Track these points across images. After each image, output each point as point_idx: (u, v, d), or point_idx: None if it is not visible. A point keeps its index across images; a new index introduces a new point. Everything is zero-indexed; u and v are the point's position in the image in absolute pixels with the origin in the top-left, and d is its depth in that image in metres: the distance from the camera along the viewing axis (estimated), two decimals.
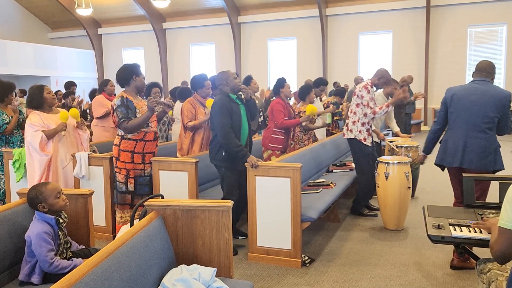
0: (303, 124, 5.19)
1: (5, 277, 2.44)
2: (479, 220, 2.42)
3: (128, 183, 3.97)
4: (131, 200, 4.03)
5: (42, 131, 4.10)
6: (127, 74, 3.96)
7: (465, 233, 2.36)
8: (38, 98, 4.19)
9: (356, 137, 4.87)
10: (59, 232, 2.52)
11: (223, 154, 3.85)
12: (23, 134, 5.12)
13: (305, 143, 5.59)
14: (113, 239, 4.22)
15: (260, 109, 6.90)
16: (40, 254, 2.36)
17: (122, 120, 3.81)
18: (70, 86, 7.37)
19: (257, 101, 5.88)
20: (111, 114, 5.89)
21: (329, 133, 7.08)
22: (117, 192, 4.06)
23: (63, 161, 4.31)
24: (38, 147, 4.08)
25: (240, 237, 4.14)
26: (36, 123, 4.11)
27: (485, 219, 2.34)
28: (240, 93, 3.99)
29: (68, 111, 4.52)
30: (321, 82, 6.75)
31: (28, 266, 2.41)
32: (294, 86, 14.70)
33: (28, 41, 17.09)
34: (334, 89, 7.49)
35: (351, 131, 4.91)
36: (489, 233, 2.23)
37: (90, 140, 5.25)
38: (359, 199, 5.07)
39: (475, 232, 2.39)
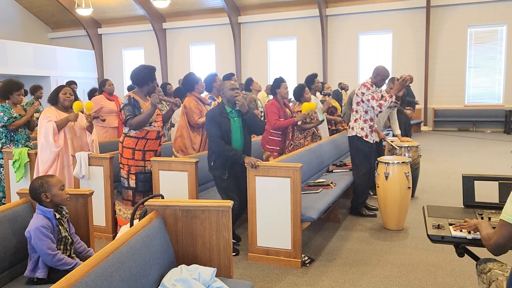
0: (299, 123, 5.16)
1: (6, 276, 2.44)
2: (461, 222, 2.41)
3: (130, 179, 4.09)
4: (132, 196, 4.11)
5: (54, 121, 4.31)
6: (145, 77, 4.06)
7: (465, 233, 2.36)
8: (54, 96, 4.47)
9: (357, 134, 4.90)
10: (59, 227, 2.53)
11: (212, 163, 3.90)
12: (29, 133, 5.21)
13: (300, 141, 5.57)
14: (113, 239, 4.24)
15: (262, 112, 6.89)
16: (41, 248, 2.38)
17: (128, 118, 3.95)
18: (70, 85, 7.35)
19: (254, 105, 5.89)
20: (111, 114, 6.00)
21: (335, 131, 7.08)
22: (122, 187, 4.19)
23: (69, 161, 4.41)
24: (51, 136, 4.26)
25: (233, 241, 4.09)
26: (51, 114, 4.35)
27: (467, 220, 2.34)
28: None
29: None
30: (312, 77, 6.63)
31: (31, 261, 2.44)
32: (294, 86, 14.67)
33: (28, 41, 17.09)
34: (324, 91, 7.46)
35: (352, 128, 4.97)
36: (475, 231, 2.25)
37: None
38: (356, 197, 5.08)
39: (475, 232, 2.39)
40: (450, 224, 2.51)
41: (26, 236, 2.44)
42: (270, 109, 4.98)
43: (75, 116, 4.38)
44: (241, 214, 4.06)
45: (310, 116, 5.47)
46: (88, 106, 4.55)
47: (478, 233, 2.23)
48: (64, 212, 2.62)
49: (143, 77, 4.05)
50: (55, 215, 2.52)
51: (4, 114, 4.80)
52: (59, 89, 4.50)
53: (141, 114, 3.98)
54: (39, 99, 7.42)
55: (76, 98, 4.63)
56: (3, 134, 4.89)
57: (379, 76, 4.82)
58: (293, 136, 5.23)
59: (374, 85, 4.87)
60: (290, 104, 5.74)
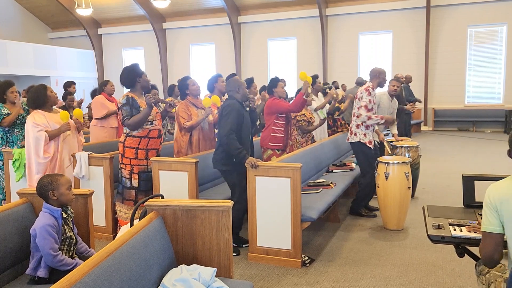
0: (304, 95, 5.01)
1: (8, 275, 2.45)
2: (475, 224, 2.42)
3: (132, 179, 4.08)
4: (135, 196, 4.11)
5: (45, 131, 4.13)
6: (132, 76, 4.08)
7: (465, 233, 2.36)
8: (43, 97, 4.22)
9: (360, 140, 4.91)
10: (64, 226, 2.54)
11: (234, 159, 3.87)
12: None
13: (303, 145, 5.57)
14: (113, 239, 4.24)
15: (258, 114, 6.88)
16: (44, 247, 2.38)
17: (125, 118, 3.96)
18: (69, 85, 7.35)
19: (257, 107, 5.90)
20: (113, 115, 6.00)
21: (335, 132, 7.06)
22: (123, 188, 4.16)
23: (66, 161, 4.35)
24: (41, 148, 4.09)
25: (244, 246, 4.07)
26: (40, 122, 4.13)
27: (480, 221, 2.34)
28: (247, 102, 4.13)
29: (72, 111, 4.54)
30: (313, 77, 6.65)
31: (34, 260, 2.44)
32: (294, 86, 14.70)
33: (28, 41, 17.09)
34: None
35: (355, 134, 4.96)
36: None
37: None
38: (359, 199, 5.08)
39: (475, 232, 2.39)
40: (450, 224, 2.51)
41: (31, 233, 2.45)
42: (274, 102, 4.95)
43: (67, 125, 4.22)
44: (244, 216, 4.07)
45: (309, 119, 5.49)
46: (78, 113, 4.45)
47: None
48: (69, 212, 2.63)
49: (131, 77, 4.07)
50: (61, 214, 2.53)
51: None
52: (45, 88, 4.25)
53: (138, 113, 3.99)
54: None
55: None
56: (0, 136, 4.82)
57: (382, 75, 4.94)
58: (291, 135, 5.25)
59: (375, 88, 4.96)
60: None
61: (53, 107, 4.40)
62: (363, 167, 5.04)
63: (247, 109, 4.15)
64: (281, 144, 4.98)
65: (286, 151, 5.05)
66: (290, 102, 5.29)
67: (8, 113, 4.80)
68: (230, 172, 3.98)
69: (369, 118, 4.81)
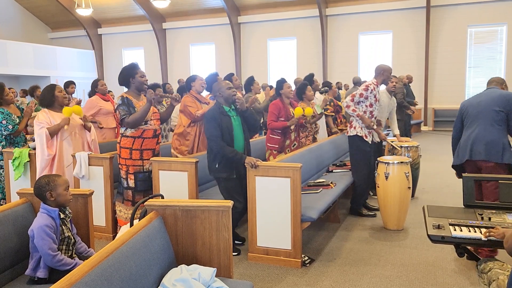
0: (291, 127, 5.12)
1: (8, 275, 2.44)
2: (491, 229, 2.36)
3: (129, 179, 4.08)
4: (132, 196, 4.11)
5: (46, 128, 4.20)
6: (125, 77, 4.09)
7: (465, 233, 2.36)
8: (50, 97, 4.32)
9: (358, 133, 4.94)
10: (62, 227, 2.54)
11: (217, 166, 3.84)
12: (25, 134, 5.18)
13: (302, 140, 5.56)
14: (113, 239, 4.24)
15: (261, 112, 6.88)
16: (42, 247, 2.38)
17: (124, 116, 3.93)
18: (68, 85, 7.35)
19: (260, 104, 5.90)
20: (110, 115, 5.99)
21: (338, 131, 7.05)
22: (121, 187, 4.18)
23: (68, 160, 4.38)
24: (45, 144, 4.18)
25: (236, 242, 4.09)
26: (43, 120, 4.23)
27: (498, 228, 2.29)
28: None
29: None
30: (310, 76, 6.76)
31: (33, 260, 2.44)
32: (294, 86, 14.68)
33: (28, 41, 17.09)
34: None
35: (354, 128, 4.99)
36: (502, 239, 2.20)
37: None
38: (356, 197, 5.08)
39: (475, 232, 2.39)
40: (450, 224, 2.51)
41: (29, 234, 2.45)
42: (270, 108, 5.05)
43: (66, 120, 4.26)
44: (243, 214, 4.06)
45: (306, 119, 5.49)
46: (77, 110, 4.44)
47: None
48: (67, 212, 2.63)
49: (124, 77, 4.07)
50: (59, 214, 2.53)
51: (7, 122, 4.73)
52: (52, 88, 4.33)
53: (136, 112, 3.97)
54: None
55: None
56: (3, 137, 4.83)
57: (386, 72, 4.96)
58: (297, 137, 5.23)
59: (379, 85, 4.97)
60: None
61: (64, 107, 4.43)
62: (355, 160, 5.03)
63: (239, 109, 3.95)
64: (277, 146, 5.00)
65: (285, 152, 5.05)
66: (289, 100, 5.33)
67: (19, 121, 4.86)
68: (218, 179, 3.96)
69: (348, 106, 4.88)
